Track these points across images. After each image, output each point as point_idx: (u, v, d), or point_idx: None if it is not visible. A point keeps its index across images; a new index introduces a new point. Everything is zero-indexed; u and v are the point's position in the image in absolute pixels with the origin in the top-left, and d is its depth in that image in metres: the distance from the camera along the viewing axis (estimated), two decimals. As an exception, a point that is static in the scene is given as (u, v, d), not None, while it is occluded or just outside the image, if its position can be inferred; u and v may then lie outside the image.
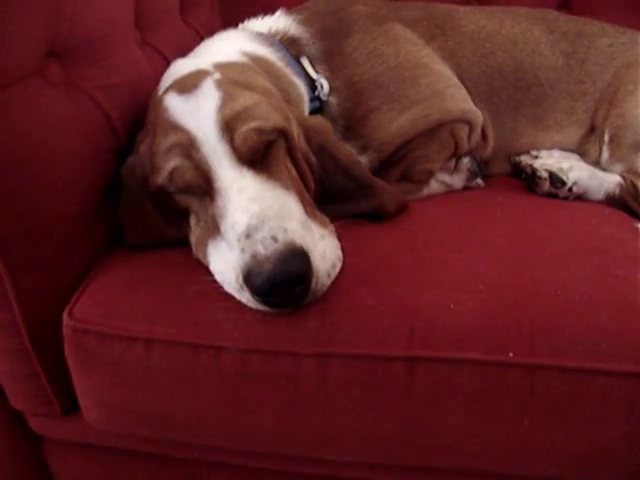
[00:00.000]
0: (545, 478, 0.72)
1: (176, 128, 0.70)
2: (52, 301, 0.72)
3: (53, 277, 0.73)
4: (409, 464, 0.73)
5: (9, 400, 0.81)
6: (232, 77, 0.75)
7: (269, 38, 0.92)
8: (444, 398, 0.65)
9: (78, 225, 0.75)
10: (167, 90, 0.76)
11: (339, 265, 0.69)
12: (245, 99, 0.70)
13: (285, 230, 0.63)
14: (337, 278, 0.68)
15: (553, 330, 0.64)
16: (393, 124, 0.90)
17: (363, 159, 0.92)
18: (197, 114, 0.70)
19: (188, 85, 0.73)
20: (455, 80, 0.98)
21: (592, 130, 1.08)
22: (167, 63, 0.97)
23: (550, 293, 0.66)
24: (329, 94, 0.91)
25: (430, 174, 0.96)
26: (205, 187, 0.69)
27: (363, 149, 0.92)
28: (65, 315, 0.71)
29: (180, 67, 0.81)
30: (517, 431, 0.65)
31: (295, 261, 0.61)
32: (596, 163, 1.05)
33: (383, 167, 0.94)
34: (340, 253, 0.70)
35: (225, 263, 0.66)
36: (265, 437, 0.72)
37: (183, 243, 0.75)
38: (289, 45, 0.93)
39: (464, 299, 0.66)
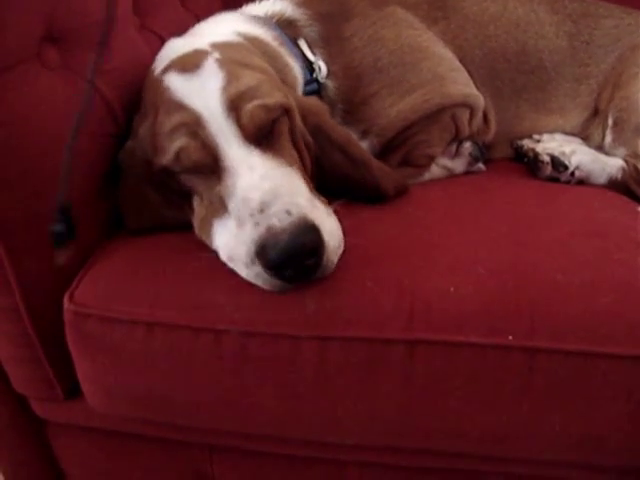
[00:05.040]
0: (544, 460, 0.72)
1: (180, 107, 0.70)
2: (53, 285, 0.73)
3: (54, 262, 0.73)
4: (409, 447, 0.73)
5: (12, 384, 0.82)
6: (232, 56, 0.74)
7: (265, 20, 0.92)
8: (444, 381, 0.65)
9: (78, 210, 0.74)
10: (166, 70, 0.75)
11: (342, 245, 0.69)
12: (248, 78, 0.70)
13: (297, 205, 0.63)
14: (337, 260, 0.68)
15: (553, 313, 0.64)
16: (393, 109, 0.90)
17: (364, 144, 0.91)
18: (202, 93, 0.69)
19: (189, 64, 0.72)
20: (457, 64, 0.97)
21: (596, 114, 1.07)
22: (166, 47, 0.97)
23: (550, 276, 0.66)
24: (327, 77, 0.90)
25: (431, 159, 0.96)
26: (212, 166, 0.69)
27: (364, 134, 0.92)
28: (66, 299, 0.71)
29: (176, 47, 0.81)
30: (517, 414, 0.66)
31: (309, 234, 0.62)
32: (599, 147, 1.05)
33: (384, 152, 0.94)
34: (341, 234, 0.70)
35: (233, 239, 0.66)
36: (265, 420, 0.72)
37: (183, 227, 0.75)
38: (286, 27, 0.92)
39: (464, 282, 0.66)
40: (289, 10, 0.94)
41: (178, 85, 0.71)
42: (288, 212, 0.62)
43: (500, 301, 0.65)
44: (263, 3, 0.98)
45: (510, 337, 0.63)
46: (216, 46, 0.77)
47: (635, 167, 0.96)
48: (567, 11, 1.08)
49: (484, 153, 1.01)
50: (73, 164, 0.73)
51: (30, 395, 0.83)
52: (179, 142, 0.68)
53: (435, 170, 0.97)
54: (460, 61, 0.98)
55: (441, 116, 0.93)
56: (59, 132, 0.71)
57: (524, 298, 0.65)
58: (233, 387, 0.69)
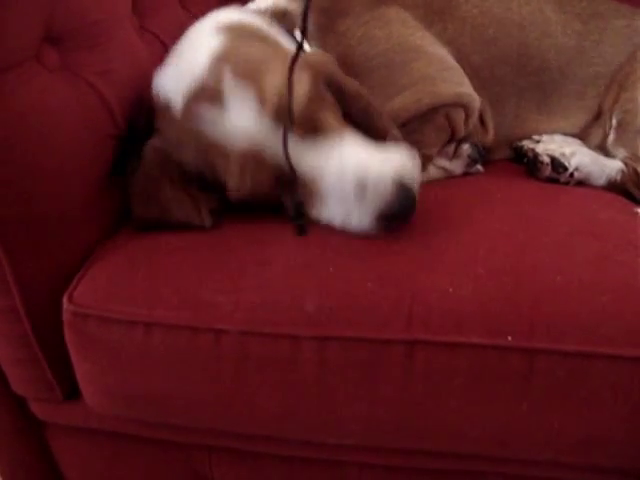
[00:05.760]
0: (543, 461, 0.72)
1: (232, 146, 0.72)
2: (52, 286, 0.73)
3: (53, 262, 0.73)
4: (408, 447, 0.73)
5: (11, 386, 0.81)
6: (239, 63, 0.74)
7: (259, 12, 0.92)
8: (443, 382, 0.65)
9: (77, 210, 0.75)
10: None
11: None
12: (275, 79, 0.71)
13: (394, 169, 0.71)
14: (336, 260, 0.68)
15: (552, 314, 0.64)
16: (385, 108, 0.89)
17: None
18: (242, 124, 0.71)
19: (209, 97, 0.73)
20: (450, 62, 0.96)
21: (598, 115, 1.06)
22: (165, 49, 0.97)
23: (549, 277, 0.66)
24: None
25: (428, 159, 0.95)
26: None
27: None
28: (65, 300, 0.71)
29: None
30: (516, 415, 0.66)
31: (408, 189, 0.70)
32: (598, 147, 1.04)
33: None
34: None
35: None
36: (264, 420, 0.72)
37: (187, 226, 0.77)
38: (280, 18, 0.92)
39: (463, 283, 0.66)
40: (282, 2, 0.94)
41: (211, 123, 0.73)
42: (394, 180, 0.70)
43: (499, 302, 0.65)
44: (256, 1, 0.98)
45: (509, 338, 0.63)
46: (218, 59, 0.75)
47: (634, 170, 0.96)
48: (576, 10, 1.05)
49: (482, 155, 1.00)
50: (72, 167, 0.73)
51: (29, 396, 0.83)
52: (251, 174, 0.72)
53: (433, 171, 0.97)
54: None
55: (434, 116, 0.92)
56: (58, 133, 0.71)
57: (523, 299, 0.65)
58: (232, 387, 0.69)
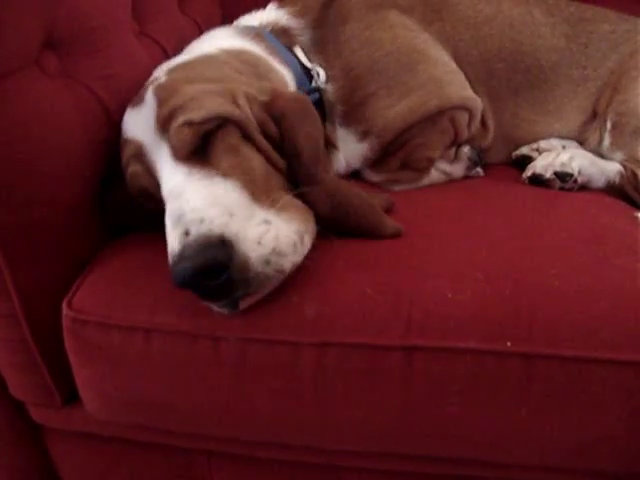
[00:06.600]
0: (543, 466, 0.72)
1: (128, 141, 0.73)
2: (51, 292, 0.73)
3: (52, 268, 0.73)
4: (407, 453, 0.73)
5: (10, 390, 0.81)
6: (177, 77, 0.74)
7: (256, 29, 0.92)
8: (442, 387, 0.65)
9: (77, 216, 0.75)
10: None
11: (292, 252, 0.63)
12: (181, 96, 0.69)
13: (201, 221, 0.60)
14: (335, 266, 0.68)
15: (551, 319, 0.64)
16: (391, 110, 0.90)
17: (364, 145, 0.92)
18: (141, 124, 0.72)
19: (137, 98, 0.75)
20: (453, 66, 0.97)
21: (593, 117, 1.07)
22: (165, 54, 0.98)
23: (548, 282, 0.66)
24: (326, 82, 0.91)
25: (430, 162, 0.96)
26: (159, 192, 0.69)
27: (364, 135, 0.92)
28: (64, 306, 0.71)
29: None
30: (515, 420, 0.66)
31: (207, 251, 0.58)
32: (595, 151, 1.04)
33: (384, 155, 0.94)
34: (295, 238, 0.63)
35: None
36: (264, 426, 0.72)
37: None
38: (280, 35, 0.93)
39: (462, 288, 0.66)
40: (284, 19, 0.95)
41: (126, 120, 0.75)
42: (187, 232, 0.60)
43: (498, 307, 0.65)
44: (258, 13, 0.99)
45: (508, 343, 0.63)
46: (171, 70, 0.77)
47: (633, 172, 0.97)
48: (563, 14, 1.08)
49: (482, 157, 1.01)
50: (72, 172, 0.74)
51: (28, 401, 0.83)
52: (131, 168, 0.72)
53: (434, 175, 0.98)
54: (456, 62, 0.98)
55: (440, 119, 0.93)
56: (58, 138, 0.72)
57: (522, 304, 0.65)
58: (231, 393, 0.69)
